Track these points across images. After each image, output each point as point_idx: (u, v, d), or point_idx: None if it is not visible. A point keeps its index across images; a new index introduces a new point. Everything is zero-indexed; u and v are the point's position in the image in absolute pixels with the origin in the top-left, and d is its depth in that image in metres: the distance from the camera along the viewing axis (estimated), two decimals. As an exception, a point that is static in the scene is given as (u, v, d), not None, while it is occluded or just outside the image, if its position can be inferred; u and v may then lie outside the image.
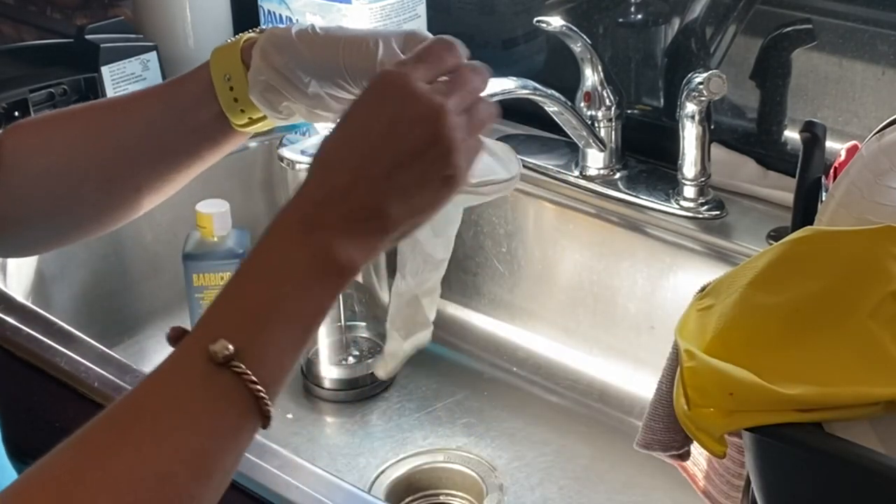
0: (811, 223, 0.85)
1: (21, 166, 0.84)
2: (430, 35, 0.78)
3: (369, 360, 1.31)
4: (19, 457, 0.98)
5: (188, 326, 1.13)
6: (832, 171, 0.88)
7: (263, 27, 0.84)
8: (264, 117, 0.83)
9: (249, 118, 0.83)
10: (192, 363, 0.64)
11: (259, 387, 0.63)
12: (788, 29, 1.22)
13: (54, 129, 0.86)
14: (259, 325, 0.65)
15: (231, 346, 0.63)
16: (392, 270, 1.01)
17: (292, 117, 0.82)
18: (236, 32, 1.60)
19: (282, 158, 1.22)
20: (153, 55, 1.48)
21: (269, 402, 0.64)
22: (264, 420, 0.64)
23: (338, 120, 0.69)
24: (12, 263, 1.24)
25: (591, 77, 1.26)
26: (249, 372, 0.63)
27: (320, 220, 0.66)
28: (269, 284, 0.66)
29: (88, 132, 0.85)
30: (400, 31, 0.79)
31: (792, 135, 1.24)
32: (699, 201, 1.23)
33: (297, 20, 1.38)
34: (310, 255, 0.66)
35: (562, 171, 1.32)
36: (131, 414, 0.64)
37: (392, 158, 0.67)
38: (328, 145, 0.68)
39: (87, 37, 1.45)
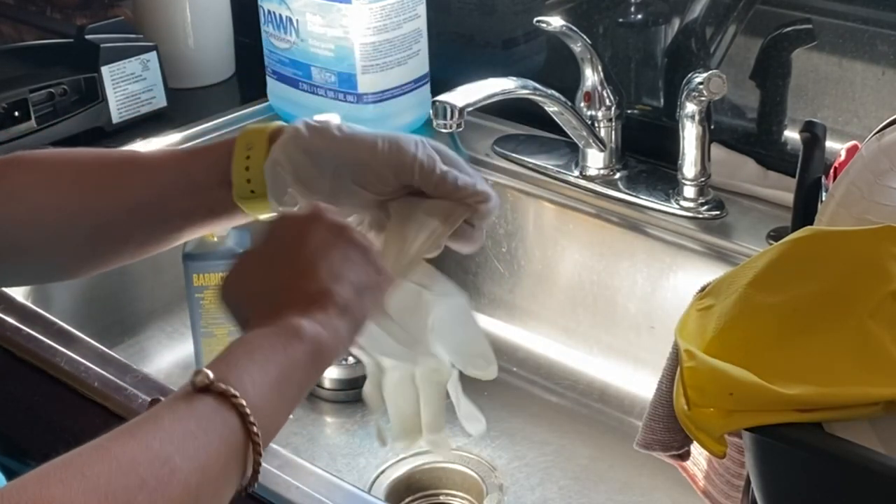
0: (811, 223, 0.85)
1: (17, 197, 0.83)
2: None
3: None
4: (19, 457, 0.98)
5: (188, 326, 1.15)
6: (832, 171, 0.88)
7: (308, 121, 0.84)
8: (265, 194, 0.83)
9: (252, 190, 0.83)
10: (178, 397, 0.67)
11: (242, 402, 0.65)
12: (788, 29, 1.22)
13: (62, 169, 0.86)
14: (233, 362, 0.68)
15: (211, 374, 0.66)
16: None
17: (293, 205, 0.83)
18: (236, 32, 1.62)
19: (282, 158, 1.22)
20: (153, 55, 1.48)
21: (253, 422, 0.66)
22: (255, 445, 0.66)
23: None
24: (12, 263, 1.24)
25: (591, 77, 1.26)
26: (231, 388, 0.66)
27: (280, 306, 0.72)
28: (243, 341, 0.71)
29: (95, 183, 0.85)
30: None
31: (792, 135, 1.24)
32: (699, 201, 1.23)
33: (297, 20, 1.38)
34: (276, 326, 0.71)
35: (562, 171, 1.32)
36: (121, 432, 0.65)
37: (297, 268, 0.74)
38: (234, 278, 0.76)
39: (87, 37, 1.45)
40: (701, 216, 1.22)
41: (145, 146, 1.41)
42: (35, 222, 0.84)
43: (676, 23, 1.29)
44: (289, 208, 0.83)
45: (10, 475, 0.90)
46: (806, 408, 0.67)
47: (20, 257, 0.84)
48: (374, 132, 0.81)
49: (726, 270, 0.79)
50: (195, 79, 1.59)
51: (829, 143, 0.90)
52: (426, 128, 1.42)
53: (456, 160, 0.83)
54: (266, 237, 0.76)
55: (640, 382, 1.24)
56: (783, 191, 1.20)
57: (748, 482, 0.84)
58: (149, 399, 0.97)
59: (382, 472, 1.19)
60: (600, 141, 1.28)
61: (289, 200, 0.82)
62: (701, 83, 1.16)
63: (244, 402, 0.65)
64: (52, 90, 1.41)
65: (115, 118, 1.45)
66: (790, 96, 1.23)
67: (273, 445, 0.93)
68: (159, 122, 1.47)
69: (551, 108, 1.24)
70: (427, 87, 1.42)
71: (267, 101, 1.50)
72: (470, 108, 1.15)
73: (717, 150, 1.25)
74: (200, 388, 0.65)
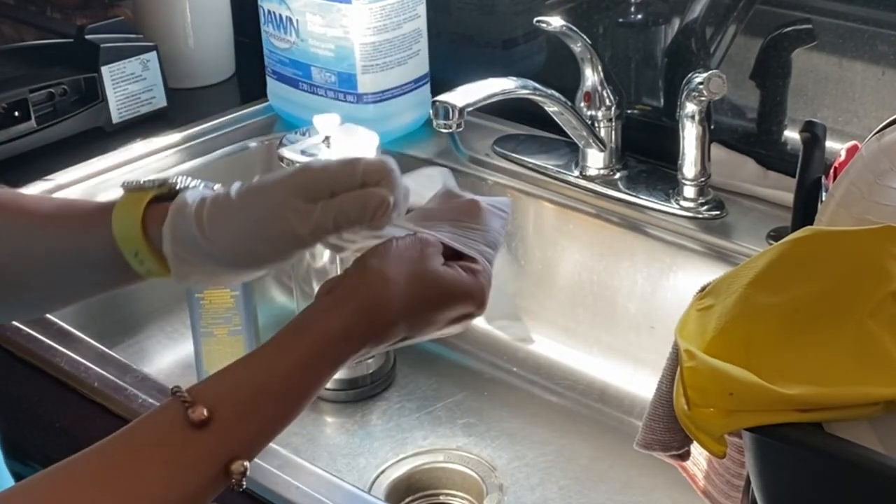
0: (811, 223, 0.85)
1: None
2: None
3: (369, 360, 1.31)
4: (19, 457, 0.98)
5: (188, 326, 1.15)
6: (832, 171, 0.88)
7: (162, 180, 0.78)
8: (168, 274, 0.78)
9: (157, 274, 0.78)
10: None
11: (185, 395, 0.68)
12: (788, 29, 1.22)
13: None
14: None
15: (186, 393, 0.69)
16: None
17: (197, 285, 0.84)
18: (236, 32, 1.62)
19: (282, 158, 1.22)
20: (153, 55, 1.48)
21: (188, 400, 0.68)
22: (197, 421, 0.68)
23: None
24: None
25: (591, 77, 1.26)
26: (181, 388, 0.68)
27: (348, 339, 0.72)
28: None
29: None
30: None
31: (792, 135, 1.24)
32: (699, 201, 1.23)
33: (297, 20, 1.38)
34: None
35: (562, 171, 1.32)
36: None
37: (435, 320, 0.75)
38: (385, 291, 0.73)
39: (87, 37, 1.45)
40: (701, 216, 1.22)
41: (145, 146, 1.41)
42: None
43: (676, 23, 1.29)
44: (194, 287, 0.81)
45: (10, 475, 0.90)
46: (806, 408, 0.67)
47: None
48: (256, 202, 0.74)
49: (726, 270, 0.79)
50: (195, 79, 1.59)
51: (829, 143, 0.90)
52: (426, 128, 1.42)
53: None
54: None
55: (640, 382, 1.24)
56: (783, 191, 1.20)
57: (748, 482, 0.84)
58: (149, 399, 0.98)
59: (382, 472, 1.19)
60: (600, 141, 1.28)
61: (193, 282, 0.78)
62: (701, 83, 1.16)
63: (187, 396, 0.68)
64: (52, 90, 1.41)
65: (115, 118, 1.45)
66: (790, 96, 1.23)
67: (273, 445, 0.93)
68: (159, 122, 1.47)
69: (551, 108, 1.24)
70: (427, 87, 1.42)
71: (267, 101, 1.50)
72: (470, 108, 1.15)
73: (717, 150, 1.25)
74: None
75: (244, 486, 0.70)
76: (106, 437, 0.68)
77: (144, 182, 0.78)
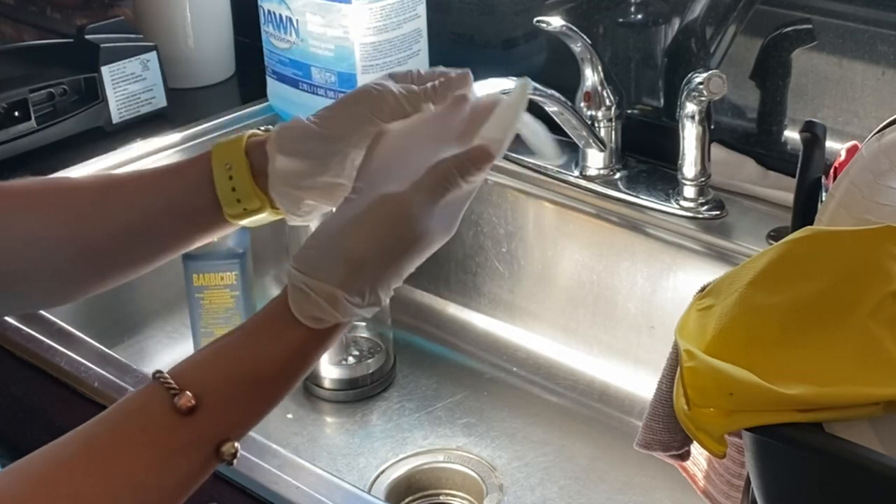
0: (811, 223, 0.85)
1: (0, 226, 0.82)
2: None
3: (369, 360, 1.31)
4: (19, 457, 0.98)
5: (188, 326, 1.15)
6: (832, 171, 0.88)
7: (269, 127, 0.84)
8: (259, 210, 0.82)
9: (244, 209, 0.82)
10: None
11: (170, 381, 0.69)
12: (788, 29, 1.22)
13: (43, 197, 0.84)
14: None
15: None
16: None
17: (308, 216, 0.83)
18: (236, 32, 1.62)
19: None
20: (153, 55, 1.48)
21: (172, 385, 0.69)
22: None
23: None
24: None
25: (591, 77, 1.26)
26: (162, 371, 0.69)
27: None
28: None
29: (77, 210, 0.83)
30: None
31: (792, 135, 1.24)
32: (699, 201, 1.23)
33: (297, 20, 1.38)
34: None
35: (562, 171, 1.32)
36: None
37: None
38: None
39: (87, 37, 1.45)
40: (701, 216, 1.22)
41: (145, 146, 1.41)
42: (19, 251, 0.82)
43: (676, 23, 1.29)
44: (307, 219, 0.83)
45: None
46: (806, 408, 0.67)
47: (6, 286, 0.83)
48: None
49: (726, 270, 0.79)
50: (195, 79, 1.59)
51: (829, 143, 0.90)
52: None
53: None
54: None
55: (640, 382, 1.24)
56: (783, 191, 1.20)
57: (748, 482, 0.84)
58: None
59: (382, 472, 1.19)
60: (600, 141, 1.28)
61: (306, 210, 0.82)
62: (701, 83, 1.16)
63: (169, 380, 0.69)
64: (52, 90, 1.41)
65: (115, 118, 1.45)
66: (790, 96, 1.23)
67: (273, 445, 0.93)
68: (159, 122, 1.47)
69: (551, 108, 1.24)
70: (427, 87, 1.42)
71: (267, 101, 1.50)
72: (470, 108, 1.15)
73: (717, 150, 1.25)
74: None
75: (234, 464, 0.70)
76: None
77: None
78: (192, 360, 0.72)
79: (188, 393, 0.68)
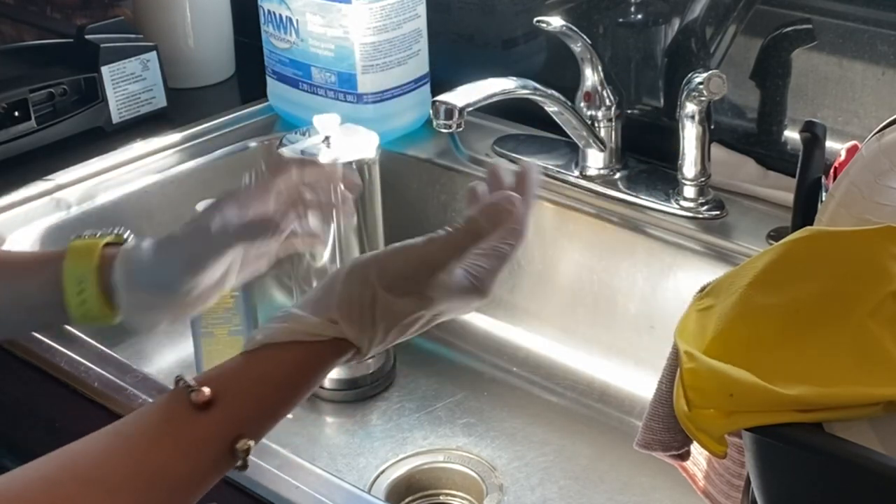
0: (811, 223, 0.85)
1: None
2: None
3: (369, 360, 1.31)
4: (19, 457, 0.98)
5: (188, 326, 1.16)
6: (832, 171, 0.88)
7: (119, 232, 0.88)
8: (109, 319, 0.86)
9: (93, 319, 0.86)
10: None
11: (189, 381, 0.72)
12: (788, 29, 1.22)
13: None
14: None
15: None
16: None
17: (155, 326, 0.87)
18: (236, 32, 1.62)
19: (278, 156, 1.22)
20: (153, 55, 1.48)
21: (189, 383, 0.72)
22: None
23: None
24: (12, 263, 1.24)
25: (591, 77, 1.26)
26: (183, 376, 0.72)
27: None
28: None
29: None
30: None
31: (792, 135, 1.24)
32: (699, 201, 1.23)
33: (297, 20, 1.38)
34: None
35: (562, 171, 1.32)
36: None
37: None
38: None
39: (87, 37, 1.45)
40: (701, 216, 1.22)
41: (145, 146, 1.41)
42: None
43: (676, 23, 1.29)
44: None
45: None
46: (806, 408, 0.67)
47: None
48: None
49: (726, 270, 0.79)
50: (195, 79, 1.59)
51: (829, 143, 0.90)
52: (426, 128, 1.42)
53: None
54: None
55: (640, 382, 1.24)
56: (783, 191, 1.20)
57: (748, 482, 0.84)
58: (149, 399, 0.98)
59: (382, 472, 1.19)
60: (600, 141, 1.28)
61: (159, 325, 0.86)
62: (701, 83, 1.16)
63: (187, 380, 0.72)
64: (52, 90, 1.41)
65: (115, 118, 1.45)
66: (790, 96, 1.23)
67: (273, 445, 0.93)
68: (159, 122, 1.47)
69: (551, 108, 1.24)
70: (427, 87, 1.42)
71: (267, 101, 1.50)
72: (470, 108, 1.15)
73: (717, 150, 1.25)
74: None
75: (248, 466, 0.73)
76: None
77: (97, 232, 0.88)
78: (216, 366, 0.76)
79: (205, 389, 0.71)
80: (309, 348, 0.75)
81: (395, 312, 0.76)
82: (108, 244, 0.86)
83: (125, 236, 0.87)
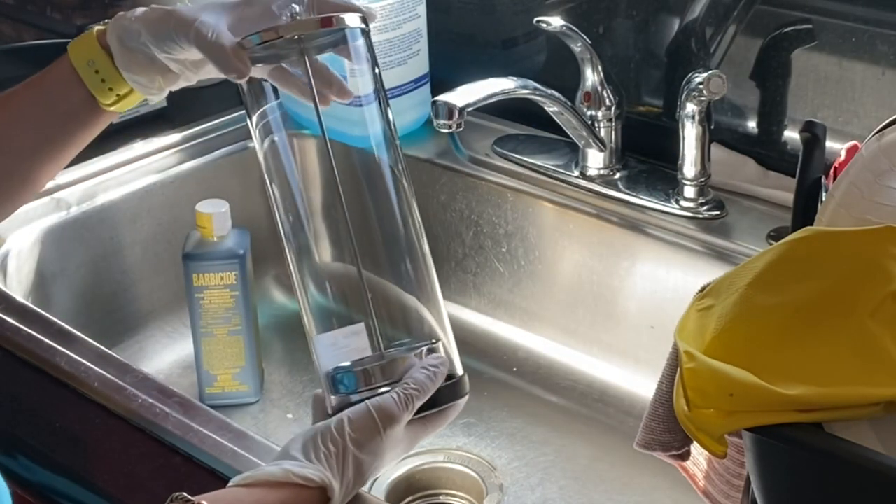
0: (811, 223, 0.85)
1: None
2: None
3: (369, 360, 1.31)
4: (19, 457, 0.98)
5: (188, 326, 1.16)
6: (832, 171, 0.88)
7: (107, 21, 0.96)
8: (130, 92, 0.96)
9: (117, 95, 0.95)
10: None
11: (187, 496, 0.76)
12: (788, 29, 1.22)
13: None
14: None
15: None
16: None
17: (163, 92, 0.96)
18: (236, 32, 1.61)
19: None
20: (153, 55, 1.47)
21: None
22: None
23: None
24: (12, 263, 1.24)
25: (591, 77, 1.26)
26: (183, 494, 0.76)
27: None
28: None
29: None
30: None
31: (792, 135, 1.24)
32: (699, 201, 1.23)
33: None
34: None
35: (562, 171, 1.32)
36: None
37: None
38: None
39: (87, 37, 1.44)
40: (701, 216, 1.22)
41: (145, 146, 1.41)
42: None
43: (676, 23, 1.29)
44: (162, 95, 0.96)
45: (10, 475, 0.90)
46: (806, 408, 0.67)
47: None
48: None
49: (726, 270, 0.79)
50: (195, 79, 1.59)
51: (829, 143, 0.90)
52: (426, 128, 1.42)
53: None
54: None
55: (640, 382, 1.24)
56: (783, 191, 1.20)
57: (748, 482, 0.84)
58: (149, 399, 0.98)
59: (382, 471, 1.19)
60: (600, 141, 1.28)
61: (157, 85, 0.95)
62: (701, 83, 1.16)
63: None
64: (52, 90, 1.41)
65: (115, 118, 1.45)
66: (790, 96, 1.23)
67: (273, 445, 0.93)
68: (159, 122, 1.47)
69: (551, 108, 1.24)
70: (427, 87, 1.42)
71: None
72: (470, 108, 1.15)
73: (717, 150, 1.25)
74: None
75: None
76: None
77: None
78: (209, 493, 0.79)
79: (204, 502, 0.75)
80: (300, 492, 0.80)
81: (364, 470, 0.86)
82: (100, 29, 0.95)
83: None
